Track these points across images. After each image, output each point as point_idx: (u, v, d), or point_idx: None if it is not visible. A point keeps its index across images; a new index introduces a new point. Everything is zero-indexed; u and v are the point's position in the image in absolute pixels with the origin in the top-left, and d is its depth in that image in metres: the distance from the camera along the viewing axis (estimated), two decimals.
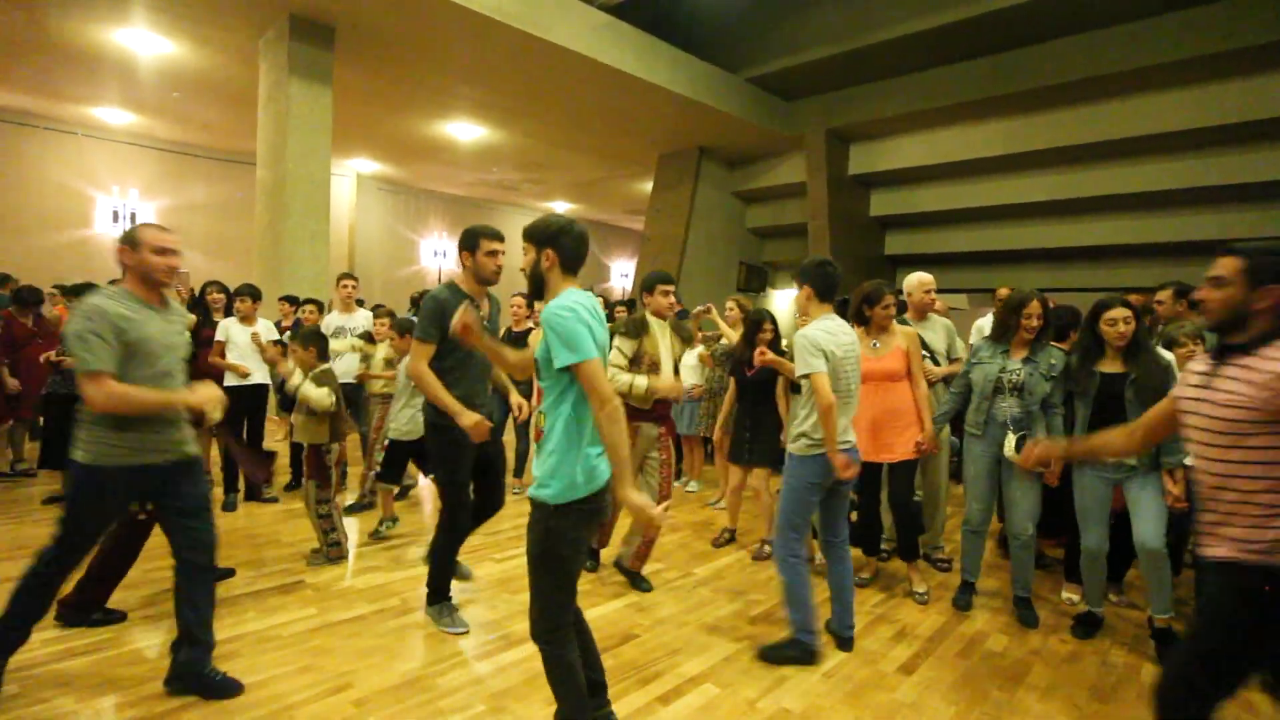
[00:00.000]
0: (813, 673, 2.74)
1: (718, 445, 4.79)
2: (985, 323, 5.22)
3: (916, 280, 3.98)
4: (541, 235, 1.96)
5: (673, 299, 3.38)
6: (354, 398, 4.97)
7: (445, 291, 2.80)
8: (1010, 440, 3.13)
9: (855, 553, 3.89)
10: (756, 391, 4.06)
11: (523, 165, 12.30)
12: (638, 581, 3.54)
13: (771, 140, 10.11)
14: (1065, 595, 3.56)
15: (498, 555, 3.93)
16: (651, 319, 3.43)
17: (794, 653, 2.78)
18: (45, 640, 2.72)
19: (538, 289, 1.99)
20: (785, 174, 10.75)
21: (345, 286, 5.12)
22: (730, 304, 5.00)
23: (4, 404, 5.03)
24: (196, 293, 5.33)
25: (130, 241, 2.24)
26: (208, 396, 2.34)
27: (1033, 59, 7.75)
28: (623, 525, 3.73)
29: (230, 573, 3.40)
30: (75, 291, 4.94)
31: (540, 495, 1.86)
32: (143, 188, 11.14)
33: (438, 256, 15.31)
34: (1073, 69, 7.48)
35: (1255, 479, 1.55)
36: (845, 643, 2.93)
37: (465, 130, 10.06)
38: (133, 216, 10.94)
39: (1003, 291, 5.32)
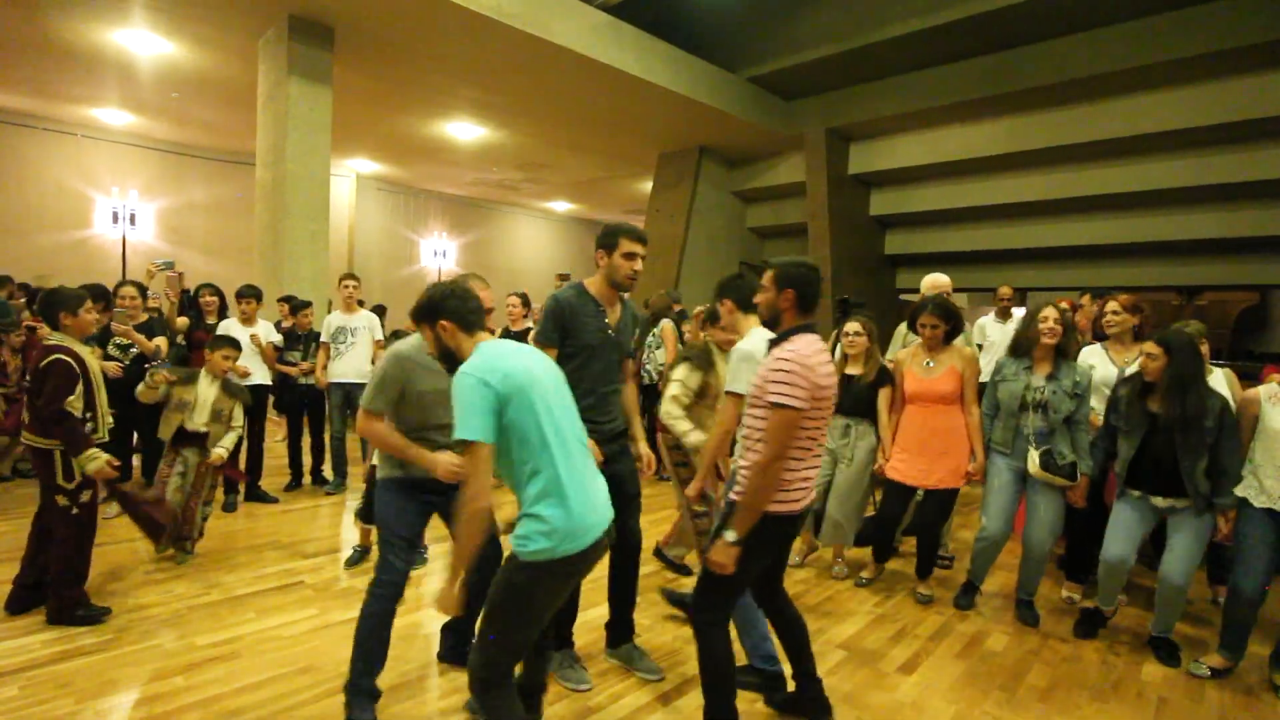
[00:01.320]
0: None
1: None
2: (986, 321, 5.21)
3: (930, 281, 3.96)
4: (424, 313, 1.85)
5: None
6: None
7: (570, 293, 2.50)
8: (1033, 455, 3.11)
9: (859, 553, 3.91)
10: None
11: (523, 165, 12.30)
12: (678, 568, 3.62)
13: (771, 140, 10.11)
14: (1065, 594, 3.57)
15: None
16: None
17: (754, 679, 2.54)
18: (45, 641, 2.72)
19: (450, 363, 1.83)
20: (785, 173, 10.74)
21: (347, 287, 5.11)
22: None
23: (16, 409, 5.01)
24: (192, 293, 5.32)
25: None
26: None
27: (1032, 57, 7.74)
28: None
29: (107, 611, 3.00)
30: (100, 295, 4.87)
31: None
32: (142, 188, 11.13)
33: (438, 256, 15.30)
34: (1073, 67, 7.47)
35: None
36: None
37: (465, 130, 10.05)
38: (132, 217, 10.94)
39: (1004, 290, 5.32)
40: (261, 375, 4.69)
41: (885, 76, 8.88)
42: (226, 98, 8.60)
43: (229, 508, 4.55)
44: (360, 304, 5.20)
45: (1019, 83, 7.87)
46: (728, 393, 2.55)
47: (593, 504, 1.79)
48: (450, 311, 1.81)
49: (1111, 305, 3.47)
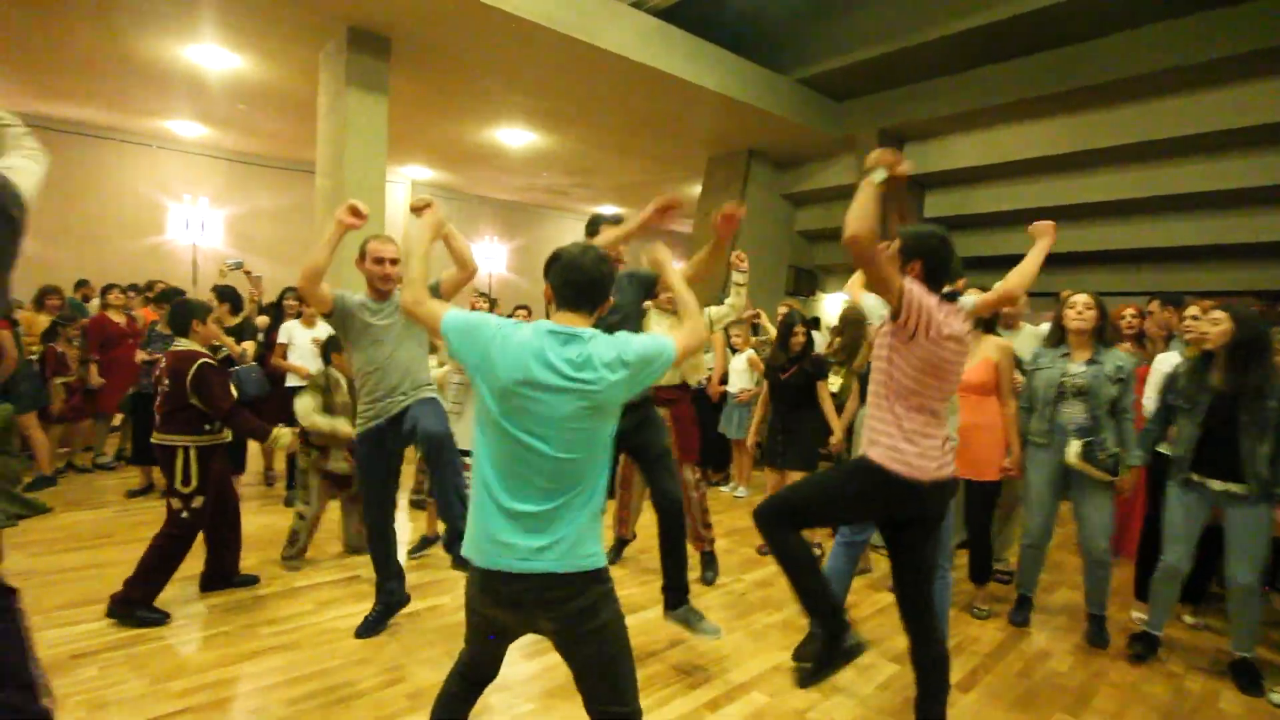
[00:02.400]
0: (865, 684, 2.67)
1: (750, 450, 4.80)
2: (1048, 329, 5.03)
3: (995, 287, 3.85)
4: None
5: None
6: None
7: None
8: (1074, 446, 2.96)
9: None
10: (791, 395, 4.00)
11: (572, 170, 12.42)
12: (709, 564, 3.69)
13: (822, 141, 9.96)
14: (1135, 615, 3.39)
15: None
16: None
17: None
18: (120, 625, 2.86)
19: None
20: (836, 175, 10.56)
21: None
22: (783, 308, 4.94)
23: (84, 400, 5.31)
24: (276, 297, 5.56)
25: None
26: None
27: (1097, 52, 7.42)
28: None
29: (254, 579, 3.41)
30: (165, 297, 5.14)
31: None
32: (212, 196, 11.66)
33: (488, 261, 15.58)
34: (1140, 62, 7.13)
35: None
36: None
37: (515, 136, 10.21)
38: (203, 224, 11.47)
39: (1066, 295, 5.12)
40: None
41: (940, 75, 8.66)
42: (289, 109, 8.93)
43: (289, 502, 4.71)
44: None
45: (1083, 79, 7.56)
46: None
47: None
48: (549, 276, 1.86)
49: (1192, 310, 3.30)
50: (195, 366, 3.02)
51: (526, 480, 1.51)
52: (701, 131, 9.78)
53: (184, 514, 3.00)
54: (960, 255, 8.31)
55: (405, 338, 2.78)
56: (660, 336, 1.62)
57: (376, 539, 2.91)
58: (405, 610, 3.08)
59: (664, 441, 2.82)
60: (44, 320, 5.46)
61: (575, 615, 1.51)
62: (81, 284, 7.77)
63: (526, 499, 1.51)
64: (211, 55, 7.22)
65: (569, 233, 17.36)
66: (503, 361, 1.52)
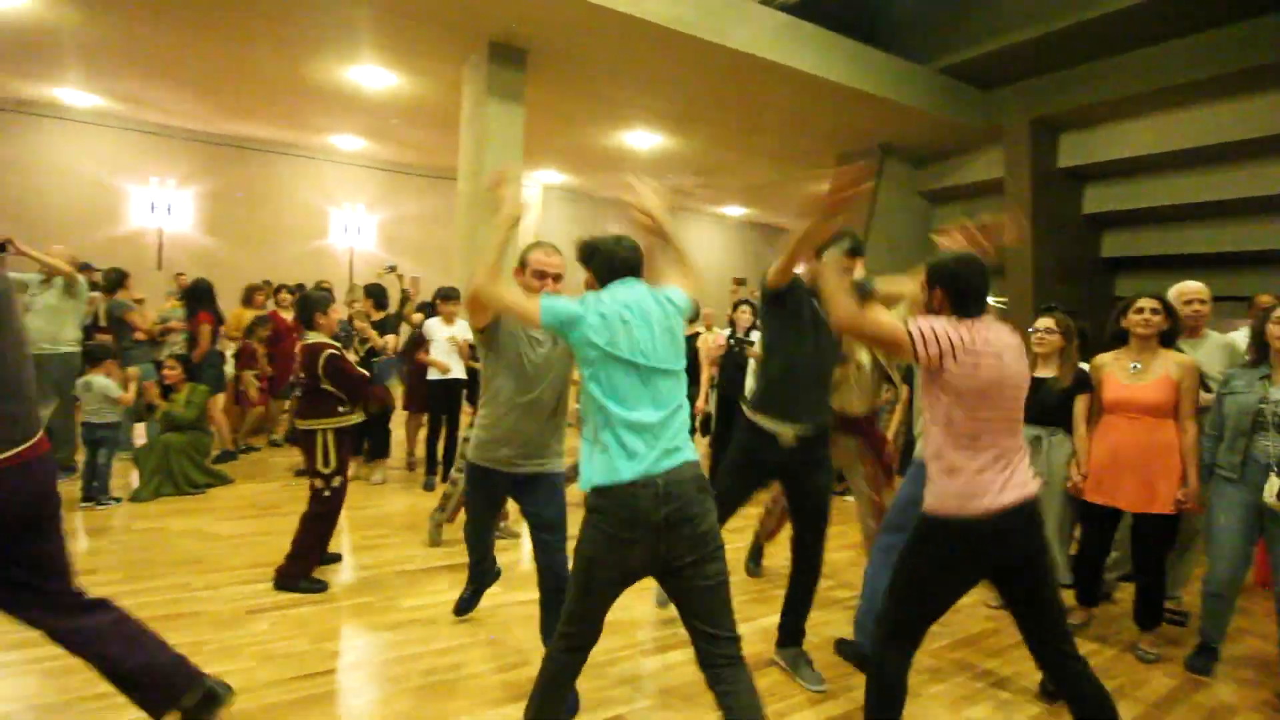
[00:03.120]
0: None
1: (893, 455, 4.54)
2: (1239, 337, 4.42)
3: (1175, 290, 3.41)
4: (579, 255, 2.08)
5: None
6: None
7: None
8: (1274, 482, 2.57)
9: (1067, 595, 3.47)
10: None
11: (698, 170, 12.44)
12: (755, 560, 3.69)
13: (965, 134, 9.31)
14: None
15: None
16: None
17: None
18: (262, 591, 3.18)
19: None
20: (980, 170, 9.83)
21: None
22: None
23: (267, 386, 6.01)
24: (430, 298, 6.01)
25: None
26: None
27: None
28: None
29: (337, 557, 3.61)
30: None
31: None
32: (368, 203, 12.78)
33: None
34: None
35: None
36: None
37: (642, 139, 10.37)
38: (359, 229, 12.60)
39: (1263, 299, 4.46)
40: (459, 370, 5.16)
41: (1106, 56, 7.81)
42: (435, 121, 9.59)
43: (428, 487, 5.06)
44: None
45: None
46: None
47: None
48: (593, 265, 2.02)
49: None
50: (324, 357, 3.28)
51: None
52: (831, 127, 9.46)
53: (325, 493, 3.26)
54: (1125, 254, 7.52)
55: (559, 380, 2.47)
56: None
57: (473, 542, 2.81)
58: (529, 596, 3.19)
59: (825, 495, 2.63)
60: (249, 315, 6.21)
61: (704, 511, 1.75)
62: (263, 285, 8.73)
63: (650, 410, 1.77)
64: (370, 75, 7.89)
65: (693, 234, 17.40)
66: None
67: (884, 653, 1.94)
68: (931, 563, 1.89)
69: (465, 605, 2.99)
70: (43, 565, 1.77)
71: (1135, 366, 2.91)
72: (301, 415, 3.35)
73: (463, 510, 3.74)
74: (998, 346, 1.81)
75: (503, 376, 2.42)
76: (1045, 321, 3.21)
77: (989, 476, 1.80)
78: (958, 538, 1.83)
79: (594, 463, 1.76)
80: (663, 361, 1.81)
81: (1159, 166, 8.52)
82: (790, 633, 2.69)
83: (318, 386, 3.30)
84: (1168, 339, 2.92)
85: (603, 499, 1.72)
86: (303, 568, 3.24)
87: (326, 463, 3.26)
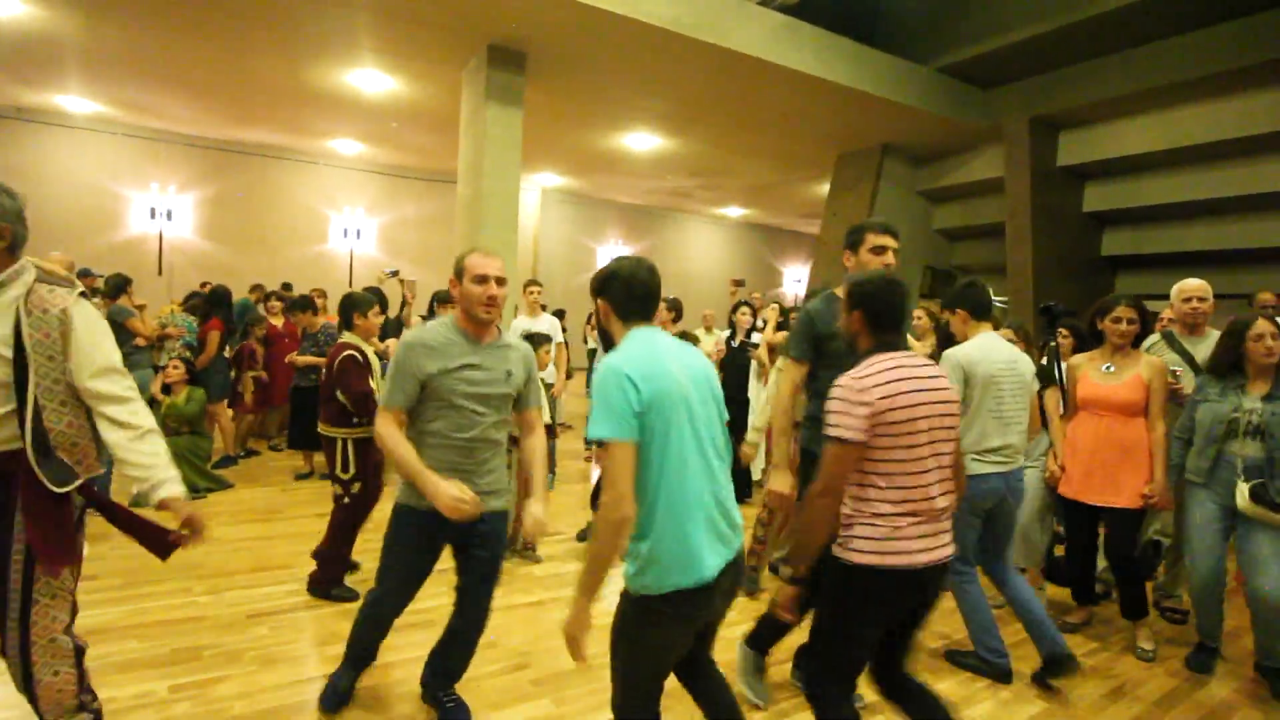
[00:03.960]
0: None
1: None
2: None
3: (1176, 288, 3.45)
4: (593, 287, 1.77)
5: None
6: None
7: (819, 303, 2.44)
8: (1243, 489, 2.64)
9: (1061, 593, 3.47)
10: None
11: (697, 172, 12.45)
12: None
13: (964, 133, 9.31)
14: None
15: None
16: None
17: (979, 665, 2.74)
18: (289, 591, 3.19)
19: (606, 344, 1.77)
20: (980, 169, 9.82)
21: (532, 292, 5.48)
22: (918, 312, 4.65)
23: (261, 393, 6.01)
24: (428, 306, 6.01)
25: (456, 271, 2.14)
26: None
27: None
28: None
29: (355, 565, 3.53)
30: (299, 305, 5.59)
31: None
32: (367, 206, 12.80)
33: None
34: None
35: None
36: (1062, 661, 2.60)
37: (642, 141, 10.38)
38: (359, 233, 12.62)
39: (1264, 296, 4.47)
40: None
41: (1107, 53, 7.81)
42: (434, 124, 9.62)
43: None
44: (543, 308, 5.54)
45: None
46: None
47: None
48: (611, 293, 1.71)
49: None
50: (340, 357, 3.23)
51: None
52: (831, 128, 9.47)
53: (345, 499, 3.25)
54: (1126, 252, 7.50)
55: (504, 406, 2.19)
56: None
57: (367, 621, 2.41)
58: (529, 599, 3.21)
59: None
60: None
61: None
62: (255, 288, 8.74)
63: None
64: (369, 79, 7.91)
65: (693, 235, 17.41)
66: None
67: (817, 701, 1.93)
68: (861, 607, 1.81)
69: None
70: None
71: (1109, 368, 2.98)
72: (322, 419, 3.31)
73: None
74: (887, 390, 1.71)
75: (432, 407, 2.14)
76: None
77: (913, 535, 1.74)
78: (889, 585, 1.76)
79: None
80: None
81: (1159, 164, 8.51)
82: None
83: (334, 391, 3.24)
84: (1139, 340, 3.00)
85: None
86: (333, 575, 3.23)
87: (345, 469, 3.23)
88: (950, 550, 1.81)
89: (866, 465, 1.73)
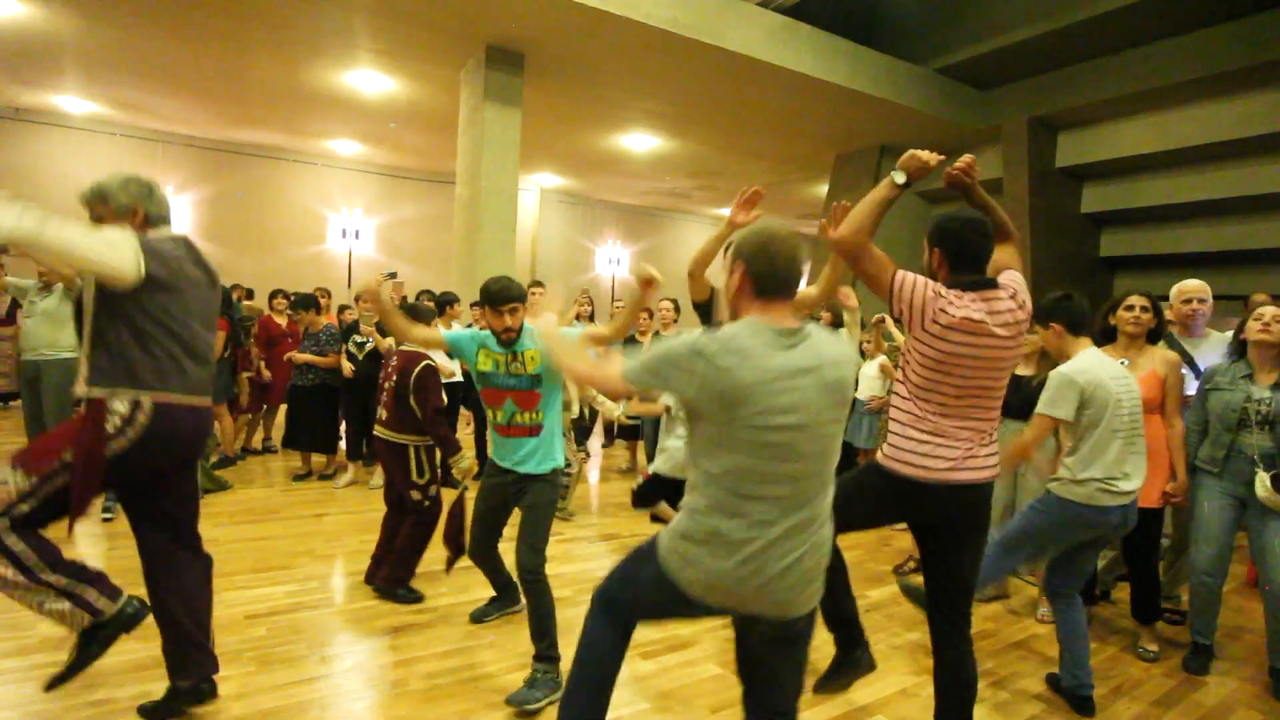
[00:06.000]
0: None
1: None
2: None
3: (1175, 289, 3.43)
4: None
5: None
6: None
7: None
8: (1262, 477, 2.61)
9: None
10: None
11: (695, 173, 12.45)
12: None
13: (963, 134, 9.33)
14: None
15: None
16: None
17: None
18: (286, 593, 3.18)
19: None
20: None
21: (534, 293, 5.46)
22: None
23: (258, 393, 5.99)
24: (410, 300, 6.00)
25: None
26: None
27: None
28: None
29: None
30: (303, 303, 5.62)
31: None
32: (365, 207, 12.79)
33: (611, 264, 15.96)
34: None
35: None
36: (1081, 703, 2.51)
37: (640, 141, 10.38)
38: (357, 233, 12.60)
39: (1259, 298, 4.47)
40: (459, 374, 5.16)
41: (1106, 54, 7.83)
42: (433, 125, 9.61)
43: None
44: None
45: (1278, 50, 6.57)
46: (1038, 414, 2.49)
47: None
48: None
49: None
50: (420, 367, 3.17)
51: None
52: (829, 129, 9.48)
53: (425, 503, 3.22)
54: (1124, 254, 7.52)
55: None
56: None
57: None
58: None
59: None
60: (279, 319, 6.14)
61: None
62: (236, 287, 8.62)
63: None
64: (368, 79, 7.91)
65: (691, 236, 17.41)
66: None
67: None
68: (875, 495, 2.00)
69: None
70: (185, 501, 2.17)
71: (1123, 363, 2.92)
72: (389, 425, 3.24)
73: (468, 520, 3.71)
74: (967, 324, 1.83)
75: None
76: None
77: (953, 450, 1.88)
78: (901, 489, 1.92)
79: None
80: None
81: (1157, 165, 8.54)
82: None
83: (408, 398, 3.18)
84: (1154, 336, 2.95)
85: None
86: (403, 575, 3.20)
87: (421, 473, 3.22)
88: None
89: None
